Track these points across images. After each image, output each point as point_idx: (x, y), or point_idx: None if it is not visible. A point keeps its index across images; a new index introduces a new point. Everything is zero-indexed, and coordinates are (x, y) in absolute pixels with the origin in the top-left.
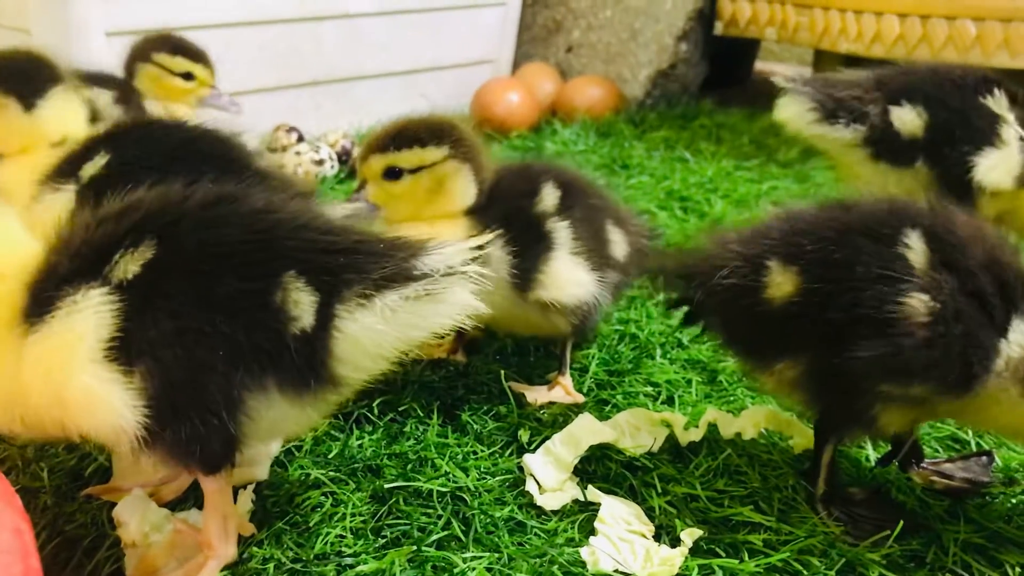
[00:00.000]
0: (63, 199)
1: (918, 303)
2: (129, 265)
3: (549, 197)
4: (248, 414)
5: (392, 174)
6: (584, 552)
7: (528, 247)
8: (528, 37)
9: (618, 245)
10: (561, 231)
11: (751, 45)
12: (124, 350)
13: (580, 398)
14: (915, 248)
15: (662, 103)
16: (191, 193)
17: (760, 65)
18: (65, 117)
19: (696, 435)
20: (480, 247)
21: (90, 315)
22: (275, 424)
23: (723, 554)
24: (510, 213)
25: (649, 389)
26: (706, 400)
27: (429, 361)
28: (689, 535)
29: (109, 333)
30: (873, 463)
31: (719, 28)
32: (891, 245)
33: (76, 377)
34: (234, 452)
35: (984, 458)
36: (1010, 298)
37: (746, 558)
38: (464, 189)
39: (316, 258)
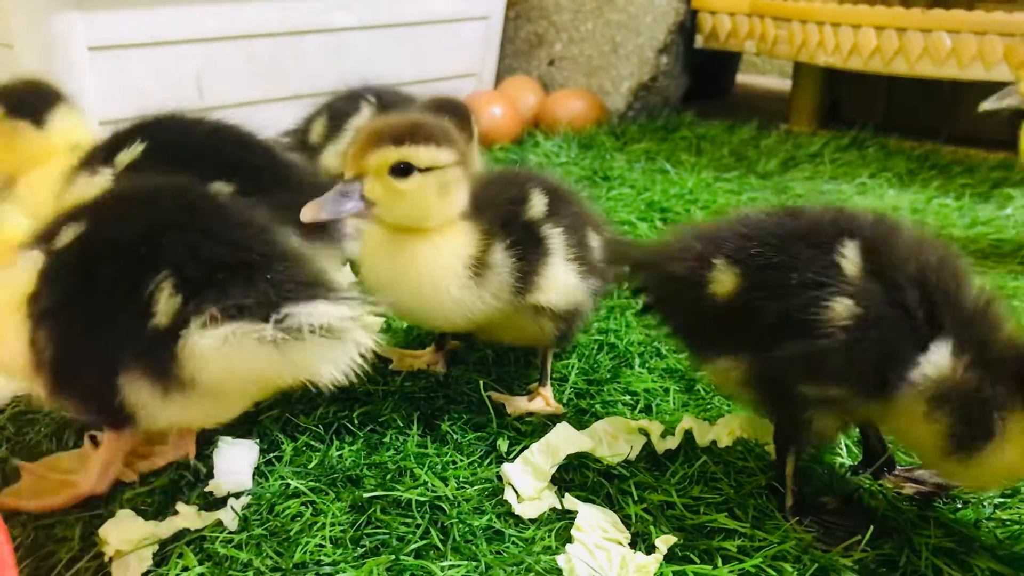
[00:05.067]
0: (100, 182)
1: (841, 307)
2: (64, 238)
3: (538, 204)
4: (125, 391)
5: (402, 171)
6: (561, 560)
7: (527, 252)
8: (511, 50)
9: (598, 251)
10: (555, 237)
11: (732, 57)
12: (35, 307)
13: (560, 408)
14: (849, 257)
15: (643, 115)
16: (133, 184)
17: (741, 77)
18: (74, 129)
19: (672, 443)
20: (371, 312)
21: (22, 272)
22: (154, 408)
23: (697, 560)
24: (508, 219)
25: (627, 398)
26: (683, 409)
27: (409, 372)
28: (664, 542)
29: (28, 290)
30: (846, 470)
31: (700, 41)
32: (827, 253)
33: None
34: (130, 417)
35: None
36: (935, 319)
37: (720, 564)
38: (461, 197)
39: (192, 266)
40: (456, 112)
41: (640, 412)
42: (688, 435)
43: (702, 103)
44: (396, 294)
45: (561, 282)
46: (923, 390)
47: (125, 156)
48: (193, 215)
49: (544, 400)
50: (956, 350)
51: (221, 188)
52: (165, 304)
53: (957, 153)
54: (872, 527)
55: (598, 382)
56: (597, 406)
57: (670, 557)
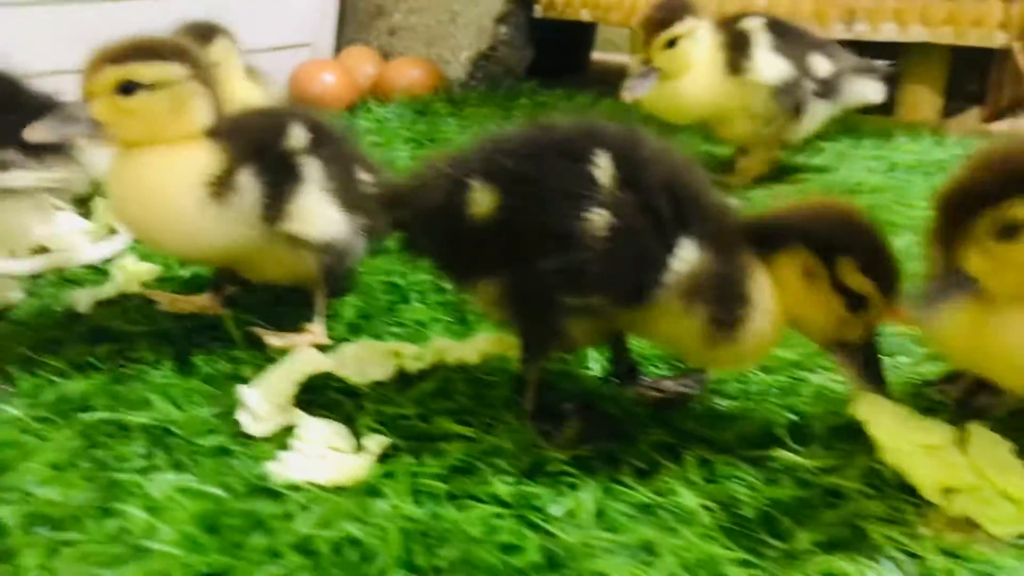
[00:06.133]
0: None
1: (597, 219)
2: None
3: (298, 135)
4: None
5: (126, 89)
6: (273, 465)
7: (278, 179)
8: (352, 22)
9: (369, 189)
10: (311, 167)
11: (586, 33)
12: None
13: (326, 341)
14: (603, 167)
15: (486, 85)
16: None
17: (601, 55)
18: None
19: (424, 363)
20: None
21: None
22: None
23: (413, 460)
24: (260, 146)
25: (397, 329)
26: (450, 336)
27: (174, 314)
28: (376, 443)
29: None
30: (594, 381)
31: (539, 11)
32: (581, 164)
33: None
34: None
35: (698, 372)
36: (682, 217)
37: (431, 461)
38: (201, 113)
39: None
40: (203, 32)
41: (407, 341)
42: (439, 354)
43: (554, 78)
44: (131, 212)
45: (316, 212)
46: (677, 288)
47: None
48: None
49: (313, 336)
50: (702, 243)
51: None
52: None
53: None
54: (606, 430)
55: (371, 316)
56: (365, 338)
57: (387, 459)
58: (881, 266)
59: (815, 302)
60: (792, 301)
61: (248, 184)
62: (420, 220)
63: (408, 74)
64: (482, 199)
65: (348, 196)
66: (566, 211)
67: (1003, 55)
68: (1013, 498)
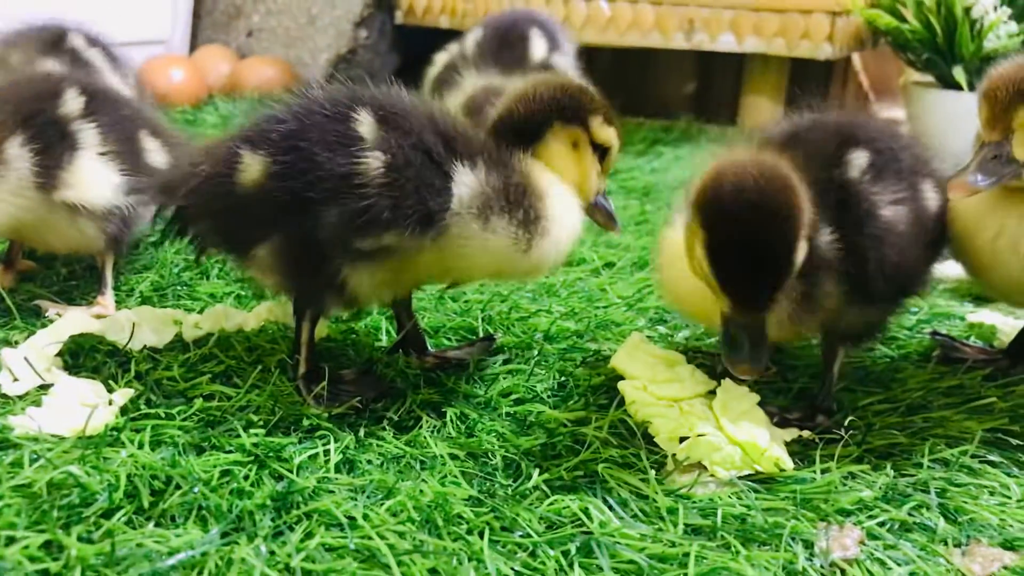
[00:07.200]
0: None
1: (372, 159)
2: None
3: (73, 101)
4: None
5: None
6: (15, 419)
7: (51, 146)
8: (209, 22)
9: (155, 155)
10: (88, 132)
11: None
12: None
13: (113, 313)
14: (364, 121)
15: None
16: None
17: None
18: None
19: (203, 330)
20: None
21: None
22: None
23: (162, 417)
24: (31, 112)
25: (190, 303)
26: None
27: None
28: (122, 395)
29: None
30: (382, 348)
31: (399, 17)
32: (344, 121)
33: None
34: None
35: (486, 342)
36: (452, 148)
37: (181, 415)
38: None
39: None
40: None
41: (198, 315)
42: (218, 321)
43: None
44: None
45: (93, 179)
46: (468, 210)
47: None
48: None
49: (102, 307)
50: (477, 166)
51: None
52: None
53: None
54: (376, 389)
55: (164, 289)
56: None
57: (138, 414)
58: (611, 114)
59: (580, 166)
60: (565, 176)
61: (17, 154)
62: (192, 199)
63: (262, 73)
64: (252, 165)
65: (132, 163)
66: (338, 162)
67: (845, 66)
68: (741, 444)
